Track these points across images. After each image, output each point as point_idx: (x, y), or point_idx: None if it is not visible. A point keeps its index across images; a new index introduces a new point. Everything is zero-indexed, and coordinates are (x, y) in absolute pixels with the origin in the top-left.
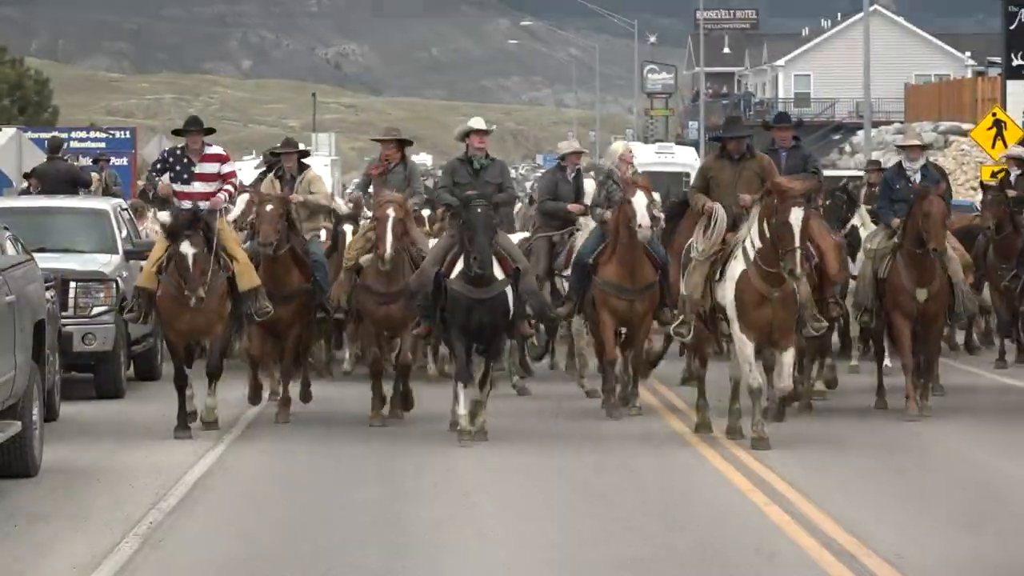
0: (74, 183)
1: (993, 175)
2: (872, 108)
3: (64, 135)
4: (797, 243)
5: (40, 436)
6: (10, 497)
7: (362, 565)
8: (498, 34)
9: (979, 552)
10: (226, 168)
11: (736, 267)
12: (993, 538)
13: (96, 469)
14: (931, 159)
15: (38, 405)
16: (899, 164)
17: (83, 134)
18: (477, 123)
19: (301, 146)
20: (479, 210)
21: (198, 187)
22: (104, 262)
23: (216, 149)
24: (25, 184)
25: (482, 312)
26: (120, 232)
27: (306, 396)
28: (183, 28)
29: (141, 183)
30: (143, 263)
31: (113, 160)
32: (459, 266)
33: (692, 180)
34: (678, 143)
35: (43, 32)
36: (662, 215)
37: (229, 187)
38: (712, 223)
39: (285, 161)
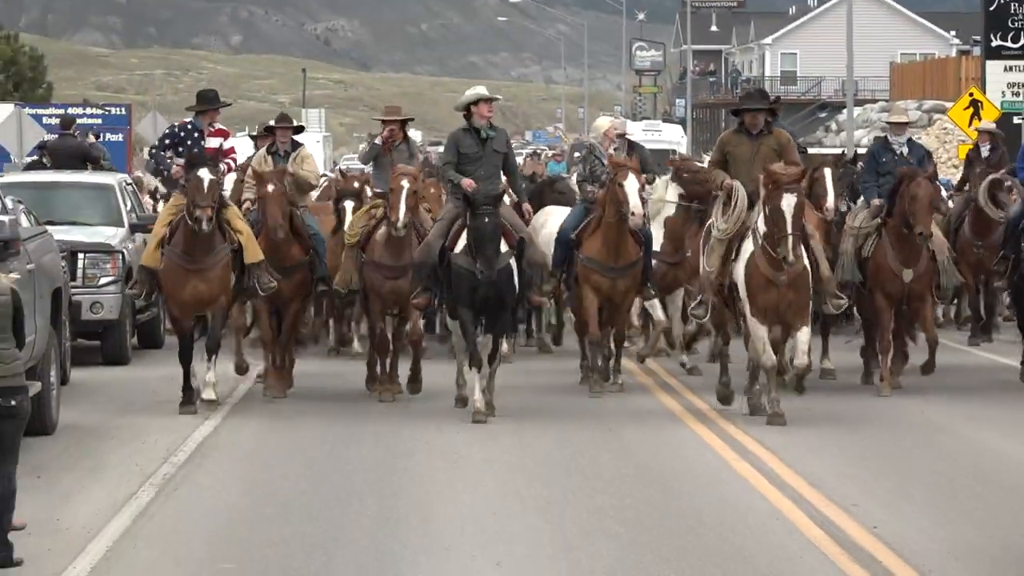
0: (84, 159)
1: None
2: (857, 86)
3: (59, 112)
4: (790, 229)
5: (57, 396)
6: (32, 452)
7: (362, 512)
8: (487, 10)
9: (958, 527)
10: (227, 144)
11: (747, 248)
12: (976, 516)
13: (109, 427)
14: (913, 138)
15: (55, 367)
16: (885, 138)
17: (79, 110)
18: (479, 91)
19: (295, 122)
20: (487, 219)
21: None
22: (110, 235)
23: (220, 126)
24: (36, 157)
25: (487, 287)
26: (125, 206)
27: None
28: (173, 2)
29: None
30: (147, 236)
31: (108, 136)
32: (463, 240)
33: (711, 155)
34: (665, 120)
35: (33, 7)
36: (651, 196)
37: (229, 161)
38: (732, 202)
39: (279, 136)
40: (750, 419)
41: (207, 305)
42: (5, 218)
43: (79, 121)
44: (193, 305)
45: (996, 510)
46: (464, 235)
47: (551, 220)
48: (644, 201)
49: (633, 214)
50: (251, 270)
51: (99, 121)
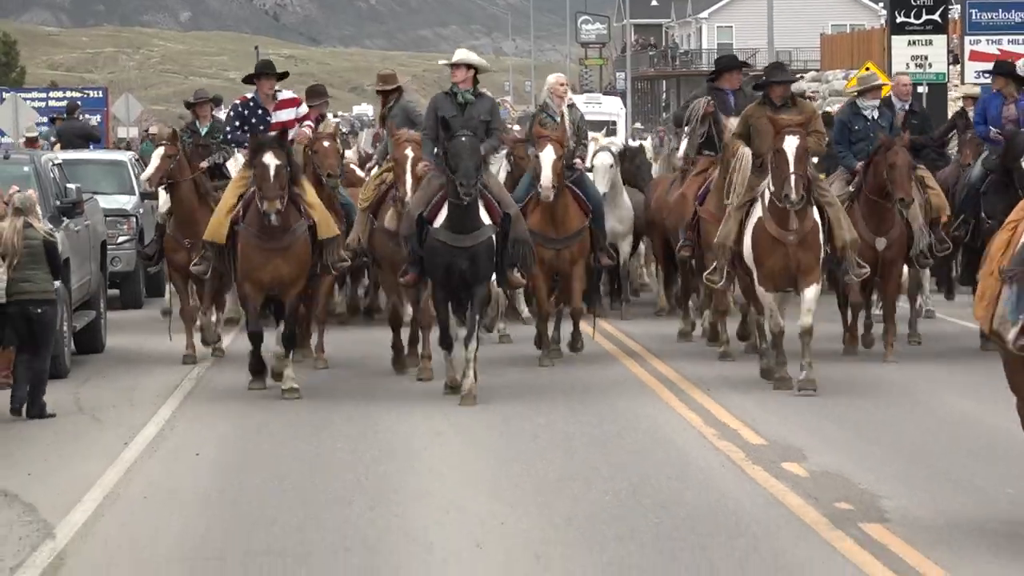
0: (87, 138)
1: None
2: (790, 57)
3: (42, 95)
4: (792, 168)
5: (105, 323)
6: (92, 363)
7: (356, 463)
8: None
9: (936, 492)
10: (302, 110)
11: (755, 213)
12: (958, 481)
13: (143, 350)
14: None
15: (103, 301)
16: (854, 103)
17: (59, 94)
18: (458, 55)
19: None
20: (463, 138)
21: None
22: (125, 201)
23: (288, 94)
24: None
25: (464, 260)
26: (135, 178)
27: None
28: None
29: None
30: (156, 203)
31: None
32: (443, 213)
33: (736, 127)
34: (606, 93)
35: None
36: (587, 161)
37: (310, 123)
38: (737, 165)
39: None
40: (730, 388)
41: (285, 286)
42: (73, 186)
43: (61, 104)
44: (270, 285)
45: (974, 474)
46: (444, 208)
47: None
48: (573, 167)
49: (542, 187)
50: (326, 246)
51: (79, 105)
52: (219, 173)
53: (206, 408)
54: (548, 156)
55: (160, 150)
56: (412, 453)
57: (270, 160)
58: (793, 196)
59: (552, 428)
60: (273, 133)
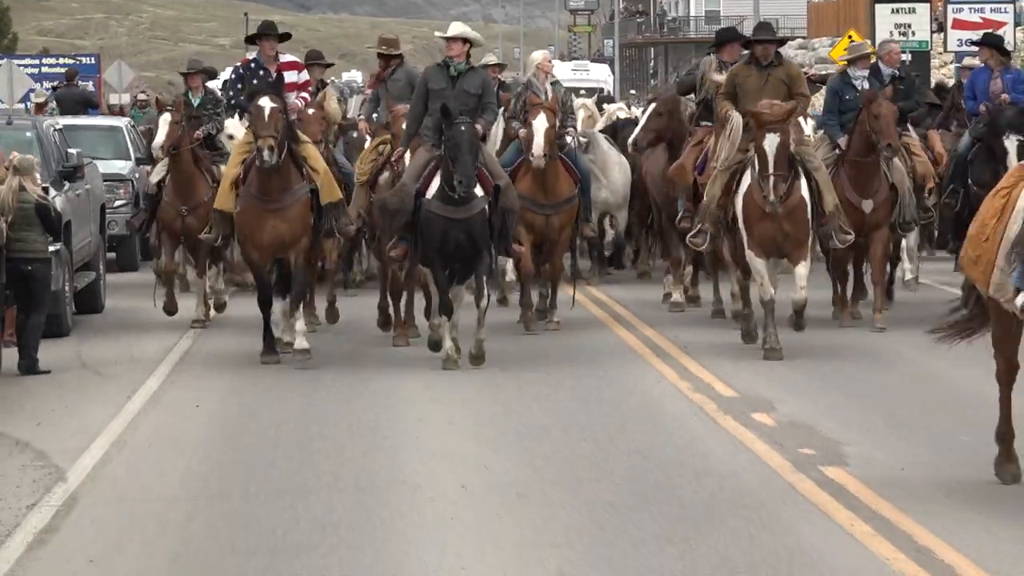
0: (86, 104)
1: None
2: (777, 24)
3: (35, 62)
4: (771, 170)
5: (104, 284)
6: (92, 323)
7: (348, 413)
8: None
9: (896, 440)
10: (303, 76)
11: (746, 180)
12: (934, 439)
13: (140, 310)
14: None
15: (103, 263)
16: (844, 73)
17: (52, 60)
18: (455, 29)
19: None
20: (463, 128)
21: None
22: (121, 166)
23: (289, 57)
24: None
25: (459, 232)
26: (131, 144)
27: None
28: None
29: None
30: (149, 168)
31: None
32: (435, 184)
33: (722, 87)
34: (594, 61)
35: None
36: (576, 131)
37: (305, 95)
38: (727, 131)
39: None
40: (707, 346)
41: (287, 247)
42: (74, 151)
43: (54, 71)
44: (272, 247)
45: (934, 423)
46: (437, 178)
47: None
48: (562, 139)
49: (533, 155)
50: (328, 211)
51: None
52: (211, 144)
53: (204, 364)
54: (541, 124)
55: (167, 116)
56: (401, 404)
57: (265, 103)
58: (772, 198)
59: (535, 383)
60: (271, 80)
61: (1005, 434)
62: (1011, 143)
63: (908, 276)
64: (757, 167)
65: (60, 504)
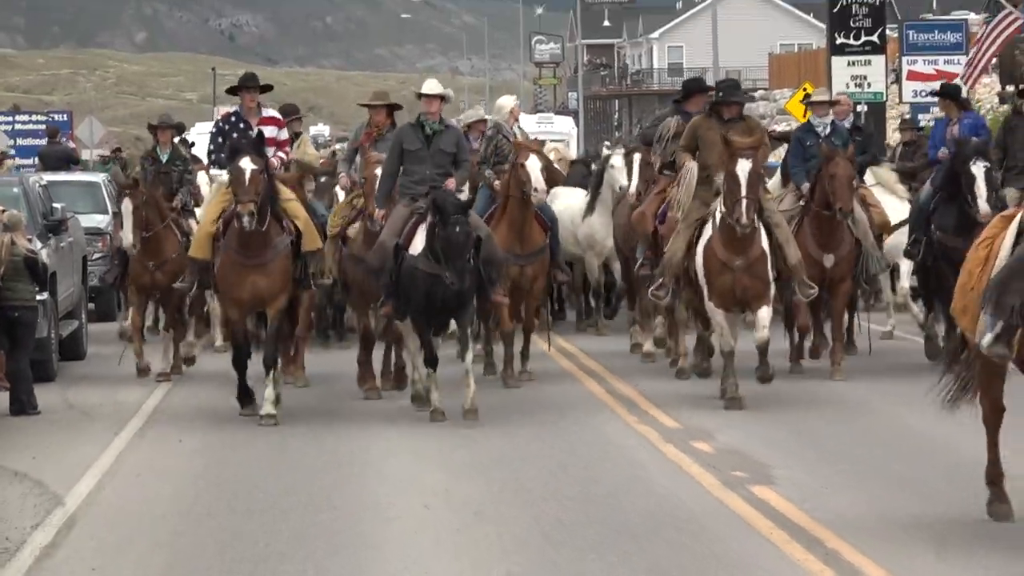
0: (68, 161)
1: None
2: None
3: (8, 118)
4: (744, 193)
5: (86, 332)
6: (73, 370)
7: (321, 446)
8: (391, 2)
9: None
10: (282, 135)
11: (706, 233)
12: (894, 486)
13: (118, 356)
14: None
15: (84, 312)
16: (809, 122)
17: (25, 118)
18: (427, 87)
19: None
20: (458, 229)
21: None
22: (100, 220)
23: (272, 112)
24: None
25: (444, 288)
26: (108, 198)
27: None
28: (75, 1)
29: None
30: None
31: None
32: (419, 239)
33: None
34: (559, 113)
35: None
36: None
37: (283, 154)
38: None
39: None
40: (682, 405)
41: (266, 303)
42: (59, 205)
43: (27, 128)
44: (250, 303)
45: (907, 478)
46: (419, 234)
47: None
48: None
49: (536, 190)
50: (310, 259)
51: (43, 127)
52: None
53: (185, 404)
54: (534, 164)
55: (127, 204)
56: (370, 437)
57: (246, 164)
58: (744, 220)
59: (496, 418)
60: (252, 135)
61: (995, 476)
62: (978, 168)
63: (887, 328)
64: (728, 193)
65: (61, 524)
